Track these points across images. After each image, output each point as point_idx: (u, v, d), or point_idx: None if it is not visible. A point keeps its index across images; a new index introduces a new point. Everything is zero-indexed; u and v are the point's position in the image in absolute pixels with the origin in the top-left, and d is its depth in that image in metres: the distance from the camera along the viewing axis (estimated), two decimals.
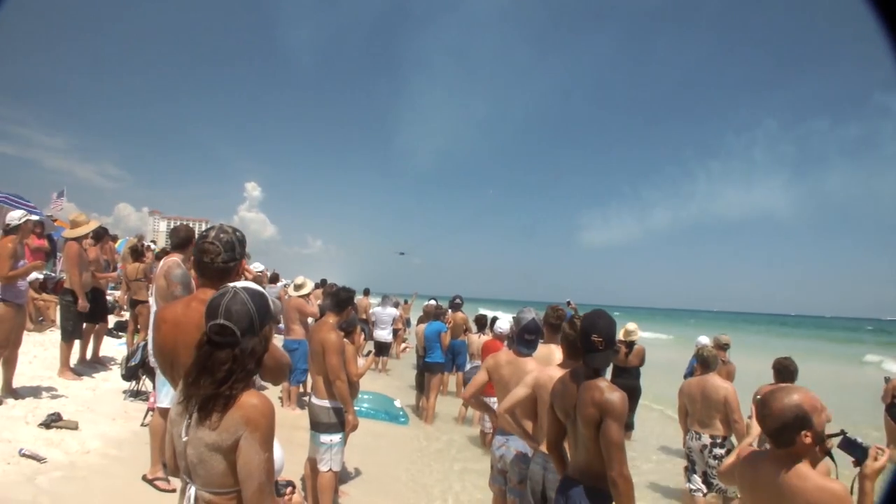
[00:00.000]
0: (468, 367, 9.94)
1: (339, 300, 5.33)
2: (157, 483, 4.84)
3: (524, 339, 4.40)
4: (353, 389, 5.58)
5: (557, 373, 3.70)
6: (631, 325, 9.86)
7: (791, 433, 2.26)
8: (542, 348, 4.48)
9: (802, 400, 2.29)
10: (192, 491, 1.94)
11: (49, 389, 6.78)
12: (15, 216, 6.66)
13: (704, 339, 8.74)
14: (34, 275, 10.67)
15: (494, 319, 9.61)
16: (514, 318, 4.72)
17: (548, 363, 4.16)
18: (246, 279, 2.54)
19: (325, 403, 4.98)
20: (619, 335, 9.82)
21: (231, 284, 2.04)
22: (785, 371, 5.80)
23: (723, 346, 8.71)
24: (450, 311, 12.03)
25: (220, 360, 1.90)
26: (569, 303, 10.85)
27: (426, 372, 10.16)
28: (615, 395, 3.00)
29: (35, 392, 6.55)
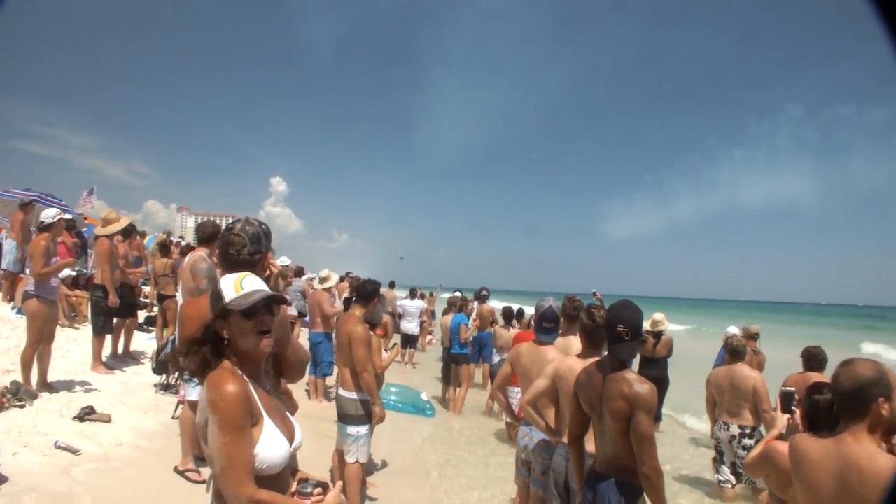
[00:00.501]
0: (496, 359, 9.93)
1: (365, 292, 5.35)
2: (188, 474, 4.93)
3: (542, 326, 4.42)
4: (378, 381, 5.63)
5: (577, 363, 3.69)
6: (658, 316, 9.77)
7: (866, 400, 2.10)
8: (561, 340, 4.46)
9: (884, 369, 2.16)
10: (209, 473, 1.94)
11: (82, 383, 6.92)
12: (49, 214, 6.79)
13: (733, 329, 8.64)
14: (66, 271, 10.90)
15: (521, 311, 9.59)
16: (535, 307, 4.72)
17: (566, 354, 4.14)
18: (271, 273, 2.56)
19: (352, 395, 5.00)
20: (646, 325, 9.76)
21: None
22: (813, 359, 5.70)
23: (752, 336, 8.60)
24: (476, 302, 12.04)
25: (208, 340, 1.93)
26: (594, 293, 10.79)
27: (452, 363, 10.18)
28: (644, 388, 2.98)
29: (69, 386, 6.69)
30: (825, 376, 5.72)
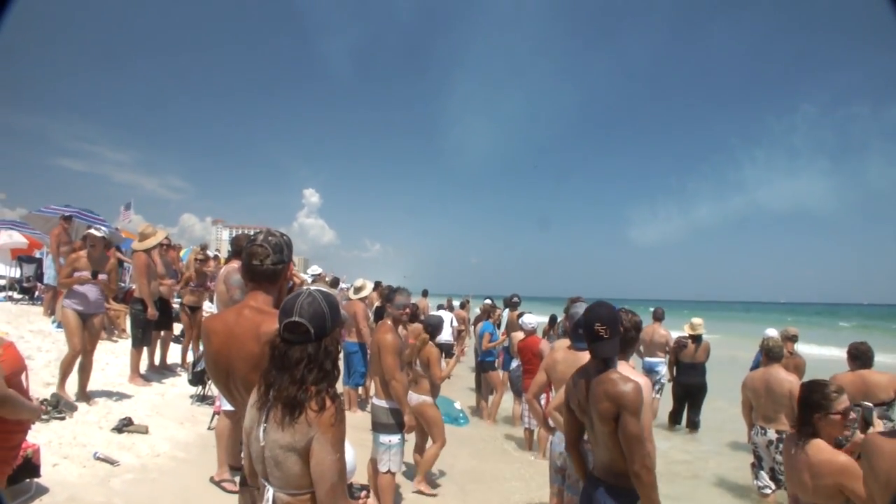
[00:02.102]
0: (513, 364, 9.86)
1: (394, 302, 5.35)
2: (224, 485, 4.97)
3: (577, 333, 4.36)
4: (435, 390, 5.67)
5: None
6: (697, 320, 9.64)
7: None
8: (570, 354, 4.42)
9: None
10: (270, 493, 1.95)
11: (120, 395, 7.05)
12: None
13: (771, 332, 8.44)
14: None
15: (553, 318, 9.51)
16: (567, 313, 4.68)
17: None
18: (294, 283, 2.57)
19: (384, 404, 5.00)
20: (685, 330, 9.64)
21: (305, 287, 2.07)
22: (863, 356, 5.54)
23: (791, 338, 8.40)
24: (507, 310, 11.96)
25: (296, 359, 1.92)
26: (579, 298, 10.73)
27: (482, 371, 10.13)
28: (628, 386, 2.90)
29: (108, 398, 6.81)
30: (875, 372, 5.58)
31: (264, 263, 2.41)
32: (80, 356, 6.50)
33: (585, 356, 4.26)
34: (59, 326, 9.92)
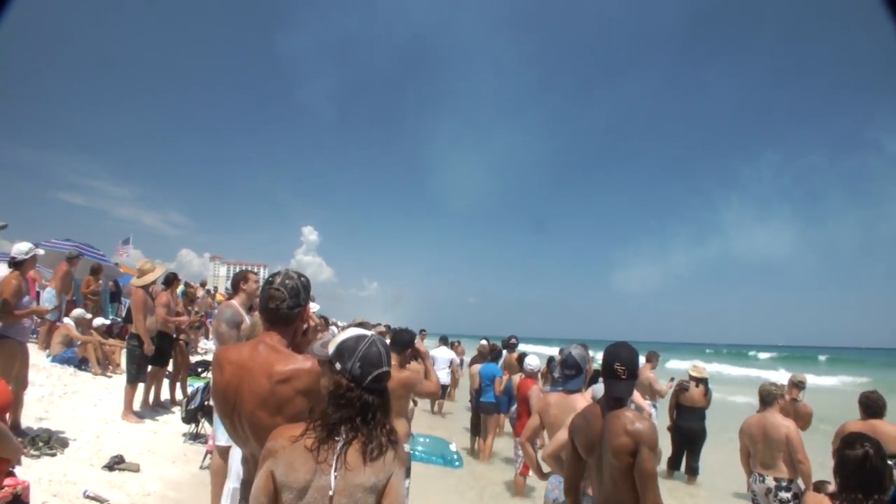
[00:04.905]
0: (513, 407, 9.80)
1: (402, 341, 5.35)
2: None
3: (566, 374, 4.39)
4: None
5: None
6: (700, 364, 9.64)
7: None
8: (563, 398, 4.41)
9: None
10: None
11: (113, 432, 6.96)
12: (22, 249, 6.20)
13: (779, 378, 8.42)
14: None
15: (522, 357, 9.51)
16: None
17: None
18: (309, 325, 2.59)
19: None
20: (690, 371, 9.59)
21: (366, 332, 2.13)
22: (874, 405, 5.54)
23: (797, 385, 8.37)
24: (505, 351, 11.93)
25: (379, 405, 2.00)
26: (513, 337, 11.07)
27: (481, 412, 10.05)
28: (647, 424, 2.96)
29: (100, 435, 6.73)
30: (887, 423, 5.56)
31: (280, 308, 2.42)
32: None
33: (579, 399, 4.28)
34: (53, 360, 9.88)
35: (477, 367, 10.64)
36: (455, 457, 9.12)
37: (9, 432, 3.00)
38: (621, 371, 3.10)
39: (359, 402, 1.97)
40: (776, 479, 5.78)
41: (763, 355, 56.72)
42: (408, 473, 5.01)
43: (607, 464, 3.03)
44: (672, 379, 9.76)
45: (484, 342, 12.48)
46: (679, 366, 27.53)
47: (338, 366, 2.02)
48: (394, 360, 5.15)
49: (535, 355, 8.80)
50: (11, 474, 3.98)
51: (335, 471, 1.89)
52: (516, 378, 9.60)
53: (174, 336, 9.33)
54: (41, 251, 6.79)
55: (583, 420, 3.26)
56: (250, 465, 2.41)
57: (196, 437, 7.24)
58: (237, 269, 6.81)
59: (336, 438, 1.93)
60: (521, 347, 10.24)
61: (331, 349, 2.08)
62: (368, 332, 2.15)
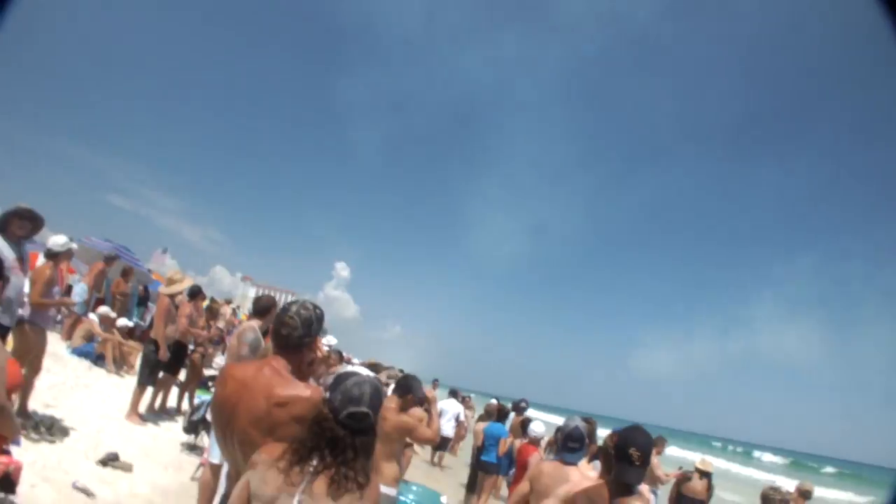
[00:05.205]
0: (512, 470, 9.63)
1: (405, 386, 5.38)
2: None
3: (567, 446, 4.31)
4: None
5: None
6: (708, 458, 9.47)
7: None
8: (557, 467, 4.34)
9: None
10: None
11: (114, 430, 7.05)
12: (58, 242, 6.43)
13: (783, 484, 8.22)
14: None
15: (527, 421, 9.41)
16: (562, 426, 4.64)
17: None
18: (316, 357, 2.67)
19: (390, 491, 4.91)
20: (698, 464, 9.39)
21: (356, 369, 2.25)
22: None
23: (804, 494, 8.15)
24: (513, 413, 11.79)
25: (362, 444, 2.07)
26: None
27: (480, 471, 9.89)
28: None
29: (100, 430, 6.81)
30: None
31: (291, 336, 2.50)
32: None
33: (573, 472, 4.22)
34: (72, 352, 10.10)
35: (482, 424, 10.53)
36: None
37: (11, 411, 3.09)
38: (636, 457, 3.01)
39: (330, 433, 2.04)
40: None
41: (768, 457, 55.35)
42: None
43: None
44: (680, 468, 9.55)
45: (493, 401, 12.35)
46: (682, 454, 26.91)
47: (327, 395, 2.13)
48: (394, 403, 5.21)
49: (542, 422, 8.69)
50: (7, 453, 4.08)
51: (300, 493, 1.97)
52: (518, 442, 9.47)
53: (191, 347, 9.49)
54: (75, 245, 7.05)
55: (587, 500, 3.19)
56: (232, 480, 2.45)
57: (193, 449, 7.27)
58: (265, 293, 6.93)
59: (309, 466, 2.01)
60: (530, 413, 10.08)
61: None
62: (369, 373, 2.24)
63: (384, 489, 4.89)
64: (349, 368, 2.31)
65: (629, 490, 3.03)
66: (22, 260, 5.60)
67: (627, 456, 3.01)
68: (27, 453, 5.09)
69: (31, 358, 6.06)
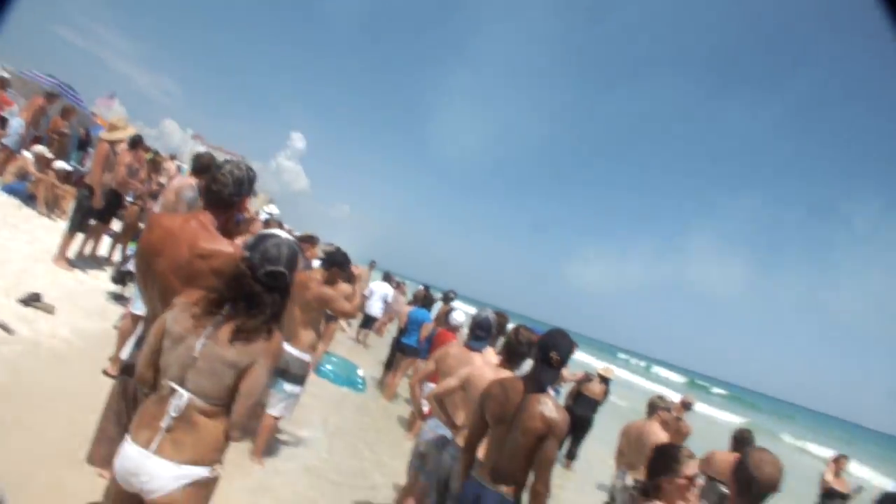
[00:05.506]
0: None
1: (332, 260, 5.60)
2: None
3: (475, 334, 4.62)
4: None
5: (490, 373, 3.82)
6: (612, 367, 10.39)
7: None
8: (463, 351, 4.64)
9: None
10: (183, 399, 2.19)
11: (39, 272, 7.14)
12: None
13: (671, 396, 8.92)
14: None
15: (451, 311, 9.84)
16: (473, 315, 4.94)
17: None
18: (244, 217, 2.85)
19: (304, 356, 5.25)
20: (600, 371, 10.15)
21: (276, 231, 2.45)
22: (744, 442, 6.00)
23: (685, 405, 8.93)
24: (441, 302, 12.21)
25: (273, 301, 2.31)
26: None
27: (399, 352, 10.32)
28: (562, 415, 3.12)
29: (25, 271, 6.91)
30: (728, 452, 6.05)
31: (221, 193, 2.64)
32: None
33: (476, 357, 4.55)
34: (2, 189, 9.92)
35: (408, 308, 10.92)
36: (360, 381, 9.48)
37: None
38: (555, 360, 3.20)
39: (247, 288, 2.27)
40: (635, 480, 6.25)
41: (665, 373, 59.09)
42: (301, 382, 5.30)
43: (512, 438, 3.17)
44: (585, 373, 10.26)
45: (421, 287, 12.75)
46: (589, 360, 28.64)
47: (246, 253, 2.33)
48: (320, 276, 5.44)
49: (464, 313, 9.07)
50: None
51: (205, 338, 2.22)
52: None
53: (130, 199, 9.44)
54: (7, 75, 6.83)
55: (501, 390, 3.33)
56: (149, 324, 2.67)
57: (119, 298, 7.42)
58: (205, 152, 6.90)
59: (219, 315, 2.26)
60: (457, 304, 10.46)
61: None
62: (287, 236, 2.46)
63: (299, 353, 5.24)
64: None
65: (542, 389, 3.23)
66: None
67: (548, 358, 3.22)
68: None
69: None
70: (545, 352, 3.25)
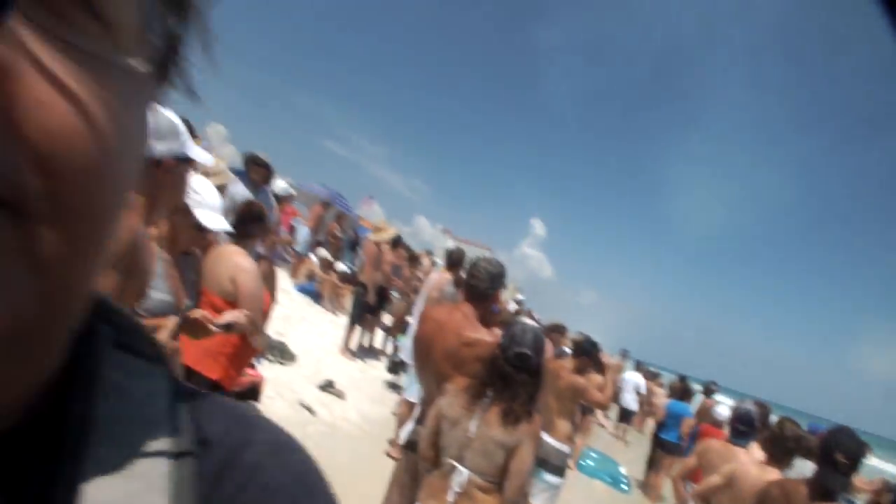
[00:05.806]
0: None
1: (581, 350, 5.60)
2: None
3: (736, 429, 4.34)
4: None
5: (756, 470, 3.58)
6: None
7: None
8: (727, 447, 4.29)
9: None
10: (463, 476, 2.46)
11: (330, 361, 8.02)
12: (280, 186, 7.12)
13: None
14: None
15: (713, 405, 9.13)
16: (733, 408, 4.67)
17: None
18: (499, 309, 3.20)
19: (564, 448, 5.21)
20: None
21: (525, 322, 2.81)
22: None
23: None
24: (703, 396, 11.43)
25: (521, 382, 2.54)
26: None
27: (659, 448, 9.77)
28: None
29: (320, 360, 7.79)
30: None
31: (479, 287, 2.99)
32: None
33: (741, 452, 4.21)
34: (297, 289, 11.46)
35: (665, 401, 10.39)
36: (623, 480, 9.08)
37: (264, 330, 3.80)
38: (842, 463, 2.76)
39: (499, 369, 2.53)
40: None
41: None
42: (561, 474, 5.20)
43: None
44: (884, 481, 8.81)
45: (677, 378, 12.07)
46: (893, 469, 24.16)
47: (501, 341, 2.63)
48: (570, 364, 5.45)
49: (728, 407, 8.42)
50: (253, 367, 4.94)
51: (477, 420, 2.49)
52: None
53: (396, 296, 10.38)
54: (294, 192, 8.07)
55: (781, 493, 3.03)
56: (426, 405, 2.99)
57: (394, 387, 8.06)
58: (456, 248, 7.45)
59: (485, 398, 2.52)
60: (719, 398, 9.70)
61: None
62: (533, 323, 2.81)
63: (556, 444, 5.19)
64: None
65: (830, 496, 2.83)
66: None
67: (833, 460, 2.79)
68: (264, 371, 5.99)
69: (270, 289, 7.10)
70: (828, 453, 2.81)
